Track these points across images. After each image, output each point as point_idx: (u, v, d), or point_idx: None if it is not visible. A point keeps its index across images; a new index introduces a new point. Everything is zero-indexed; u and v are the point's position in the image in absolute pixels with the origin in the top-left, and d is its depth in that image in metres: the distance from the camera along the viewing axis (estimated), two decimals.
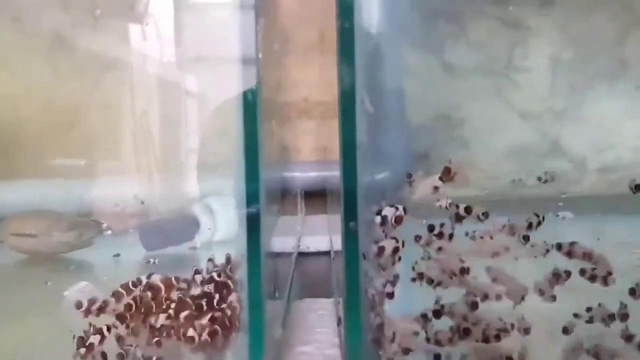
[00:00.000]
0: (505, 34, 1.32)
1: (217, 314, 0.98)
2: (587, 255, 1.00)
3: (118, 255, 1.36)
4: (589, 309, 0.96)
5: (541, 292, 0.98)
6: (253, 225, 0.94)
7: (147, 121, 1.41)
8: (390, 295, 0.94)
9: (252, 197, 0.96)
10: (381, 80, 1.22)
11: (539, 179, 1.30)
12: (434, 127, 1.30)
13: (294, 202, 1.92)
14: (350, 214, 0.98)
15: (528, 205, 1.28)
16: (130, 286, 1.01)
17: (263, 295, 0.93)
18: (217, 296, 1.02)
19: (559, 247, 1.01)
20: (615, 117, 1.36)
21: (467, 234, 1.02)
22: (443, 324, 0.95)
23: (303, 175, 1.99)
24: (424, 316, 0.95)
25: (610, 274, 0.96)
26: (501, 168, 1.33)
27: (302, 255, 1.73)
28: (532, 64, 1.32)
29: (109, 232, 1.39)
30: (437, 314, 0.95)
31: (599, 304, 0.96)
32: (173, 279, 1.04)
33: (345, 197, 0.95)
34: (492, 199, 1.33)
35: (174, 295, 1.02)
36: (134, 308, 0.96)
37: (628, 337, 0.92)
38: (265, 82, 1.04)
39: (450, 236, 1.01)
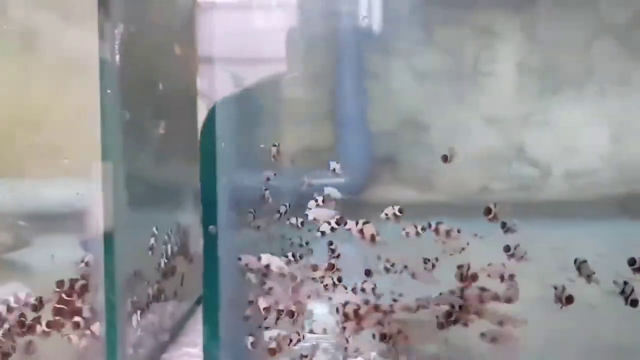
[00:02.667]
0: (472, 39, 1.31)
1: None
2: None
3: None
4: None
5: None
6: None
7: None
8: None
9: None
10: (341, 83, 1.22)
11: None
12: (399, 132, 1.28)
13: None
14: (209, 218, 0.99)
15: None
16: None
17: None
18: None
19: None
20: (581, 123, 1.35)
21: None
22: None
23: None
24: None
25: None
26: (467, 174, 1.32)
27: None
28: (498, 68, 1.31)
29: None
30: None
31: None
32: None
33: (204, 202, 0.98)
34: (457, 204, 1.33)
35: None
36: None
37: None
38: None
39: None
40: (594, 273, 1.10)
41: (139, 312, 1.19)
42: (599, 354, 1.18)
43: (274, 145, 1.15)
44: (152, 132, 1.36)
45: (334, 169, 1.16)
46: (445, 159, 1.11)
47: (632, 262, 1.07)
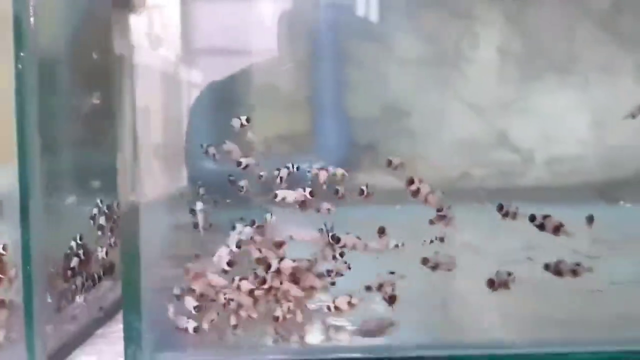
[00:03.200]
0: (453, 24, 1.30)
1: None
2: None
3: None
4: None
5: None
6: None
7: None
8: None
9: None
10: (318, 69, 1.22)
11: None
12: (380, 118, 1.28)
13: None
14: None
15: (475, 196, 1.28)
16: None
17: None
18: None
19: None
20: (563, 110, 1.35)
21: None
22: None
23: None
24: None
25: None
26: (448, 160, 1.32)
27: None
28: (480, 55, 1.30)
29: None
30: None
31: None
32: None
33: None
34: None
35: None
36: None
37: None
38: None
39: None
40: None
41: (70, 290, 1.21)
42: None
43: (243, 120, 1.13)
44: (83, 102, 1.33)
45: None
46: (389, 163, 1.10)
47: (532, 218, 1.11)
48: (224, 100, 1.30)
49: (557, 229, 1.11)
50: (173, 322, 1.07)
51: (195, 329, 1.05)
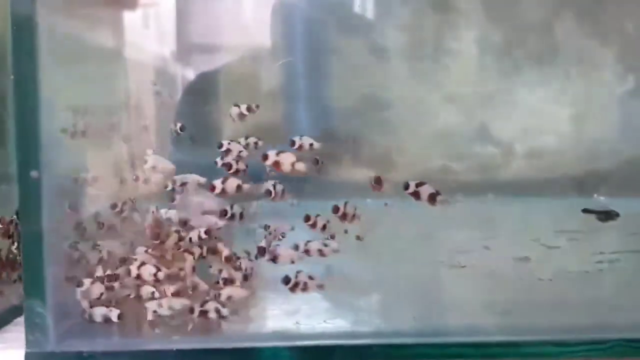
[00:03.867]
0: (433, 15, 1.29)
1: None
2: None
3: None
4: None
5: None
6: None
7: None
8: None
9: None
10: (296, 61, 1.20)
11: None
12: (358, 109, 1.27)
13: None
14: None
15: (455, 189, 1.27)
16: None
17: None
18: None
19: None
20: (543, 103, 1.35)
21: None
22: None
23: None
24: None
25: None
26: (428, 152, 1.31)
27: None
28: (460, 46, 1.29)
29: None
30: None
31: None
32: None
33: None
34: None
35: None
36: None
37: None
38: None
39: None
40: None
41: None
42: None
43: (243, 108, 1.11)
44: None
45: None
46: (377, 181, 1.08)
47: (405, 186, 1.09)
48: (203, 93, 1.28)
49: (433, 198, 1.08)
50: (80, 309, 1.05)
51: (120, 316, 1.03)
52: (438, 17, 1.29)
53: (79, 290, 1.05)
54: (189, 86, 1.30)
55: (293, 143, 1.08)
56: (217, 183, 1.05)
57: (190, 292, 1.07)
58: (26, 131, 0.98)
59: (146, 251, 1.08)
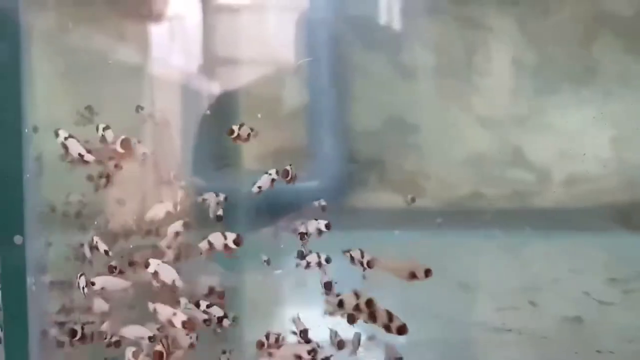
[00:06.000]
0: (464, 34, 1.22)
1: None
2: None
3: None
4: None
5: None
6: None
7: None
8: None
9: None
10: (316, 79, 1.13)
11: None
12: (384, 132, 1.20)
13: None
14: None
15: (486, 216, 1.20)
16: None
17: None
18: None
19: None
20: (581, 125, 1.26)
21: None
22: None
23: None
24: None
25: None
26: (457, 178, 1.23)
27: None
28: (491, 66, 1.22)
29: None
30: None
31: None
32: None
33: None
34: (448, 210, 1.24)
35: None
36: None
37: None
38: None
39: None
40: None
41: None
42: None
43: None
44: None
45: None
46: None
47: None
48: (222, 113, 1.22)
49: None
50: None
51: None
52: (468, 35, 1.23)
53: None
54: (211, 105, 1.24)
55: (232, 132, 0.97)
56: None
57: None
58: None
59: None
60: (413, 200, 1.01)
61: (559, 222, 1.21)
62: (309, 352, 0.89)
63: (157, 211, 1.02)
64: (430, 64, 1.23)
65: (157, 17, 1.19)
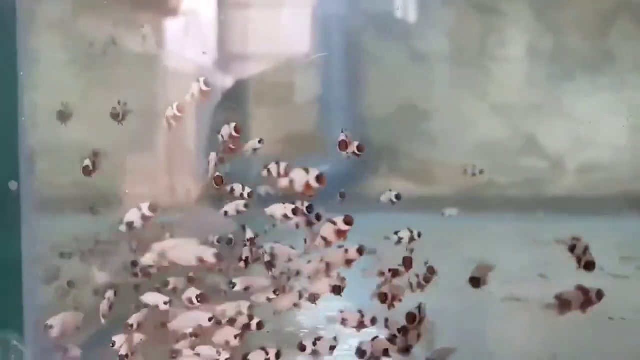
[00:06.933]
0: (478, 19, 1.21)
1: None
2: None
3: None
4: None
5: None
6: None
7: None
8: None
9: None
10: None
11: None
12: (397, 118, 1.19)
13: None
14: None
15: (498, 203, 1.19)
16: None
17: None
18: None
19: None
20: (597, 113, 1.25)
21: None
22: None
23: None
24: None
25: None
26: (471, 165, 1.22)
27: None
28: (505, 52, 1.21)
29: None
30: None
31: None
32: None
33: None
34: (461, 197, 1.23)
35: None
36: None
37: None
38: None
39: None
40: None
41: None
42: None
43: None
44: None
45: None
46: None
47: None
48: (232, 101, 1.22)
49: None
50: None
51: None
52: (482, 21, 1.21)
53: None
54: (225, 93, 1.24)
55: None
56: None
57: None
58: None
59: None
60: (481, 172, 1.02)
61: (572, 208, 1.20)
62: None
63: None
64: (444, 51, 1.22)
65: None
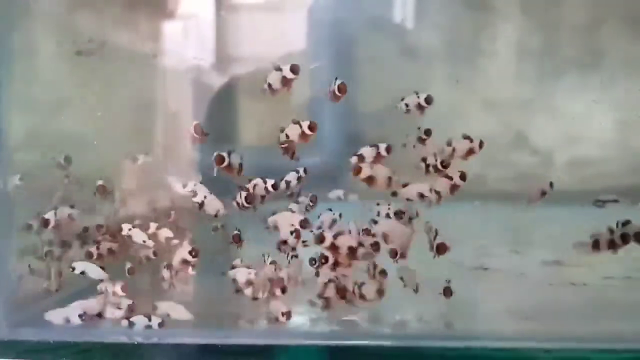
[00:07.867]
0: (469, 16, 1.23)
1: None
2: None
3: None
4: None
5: None
6: None
7: None
8: None
9: None
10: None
11: None
12: (388, 114, 1.20)
13: None
14: None
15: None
16: None
17: None
18: None
19: None
20: (586, 109, 1.27)
21: None
22: None
23: None
24: None
25: None
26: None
27: None
28: (496, 49, 1.23)
29: None
30: None
31: None
32: None
33: None
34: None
35: None
36: None
37: None
38: None
39: None
40: None
41: None
42: None
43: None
44: None
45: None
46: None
47: None
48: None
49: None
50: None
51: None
52: (473, 17, 1.23)
53: None
54: (218, 91, 1.26)
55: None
56: None
57: None
58: None
59: None
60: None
61: (560, 199, 1.22)
62: None
63: None
64: (435, 47, 1.24)
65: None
